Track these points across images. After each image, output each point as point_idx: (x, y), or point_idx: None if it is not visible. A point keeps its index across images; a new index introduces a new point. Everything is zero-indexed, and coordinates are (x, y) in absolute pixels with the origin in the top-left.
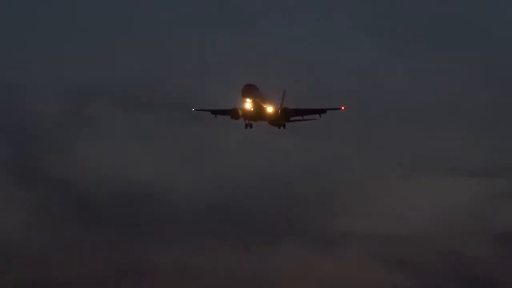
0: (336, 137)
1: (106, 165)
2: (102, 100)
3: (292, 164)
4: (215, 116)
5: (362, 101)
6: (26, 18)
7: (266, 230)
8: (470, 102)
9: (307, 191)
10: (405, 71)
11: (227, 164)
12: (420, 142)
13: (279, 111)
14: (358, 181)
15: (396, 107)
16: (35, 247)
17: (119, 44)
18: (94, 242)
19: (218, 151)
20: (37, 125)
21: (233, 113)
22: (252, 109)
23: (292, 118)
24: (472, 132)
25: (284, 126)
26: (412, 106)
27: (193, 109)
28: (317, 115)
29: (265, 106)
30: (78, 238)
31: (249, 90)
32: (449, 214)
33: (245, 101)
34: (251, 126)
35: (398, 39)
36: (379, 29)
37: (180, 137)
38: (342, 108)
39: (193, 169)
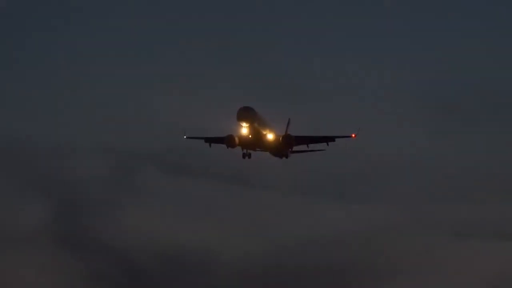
0: (374, 197)
1: (151, 230)
2: (146, 164)
3: (329, 226)
4: (210, 145)
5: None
6: (72, 80)
7: None
8: None
9: (348, 255)
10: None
11: (273, 227)
12: (467, 204)
13: (281, 138)
14: (401, 245)
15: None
16: None
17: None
18: None
19: (263, 212)
20: (81, 189)
21: (229, 140)
22: (249, 136)
23: (295, 148)
24: None
25: (287, 156)
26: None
27: (185, 137)
28: (324, 145)
29: (264, 133)
30: None
31: (246, 113)
32: (498, 280)
33: (241, 126)
34: (249, 155)
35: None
36: None
37: (224, 199)
38: (353, 135)
39: (240, 232)
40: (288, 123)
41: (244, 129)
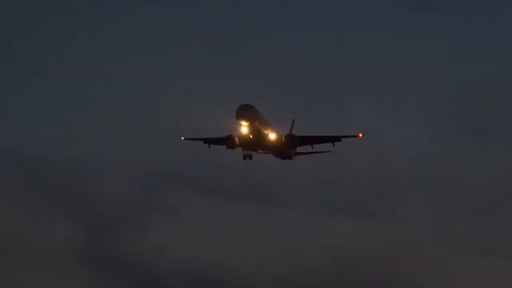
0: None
1: (180, 248)
2: (174, 183)
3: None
4: (209, 146)
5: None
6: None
7: None
8: None
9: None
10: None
11: (296, 246)
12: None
13: (283, 138)
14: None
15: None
16: None
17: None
18: None
19: (287, 232)
20: (110, 208)
21: (228, 141)
22: (250, 136)
23: (299, 149)
24: None
25: (290, 158)
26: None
27: (183, 138)
28: (329, 147)
29: (266, 132)
30: None
31: (245, 111)
32: None
33: (241, 125)
34: (250, 157)
35: None
36: None
37: (251, 219)
38: (360, 135)
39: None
40: (292, 123)
41: (244, 128)
